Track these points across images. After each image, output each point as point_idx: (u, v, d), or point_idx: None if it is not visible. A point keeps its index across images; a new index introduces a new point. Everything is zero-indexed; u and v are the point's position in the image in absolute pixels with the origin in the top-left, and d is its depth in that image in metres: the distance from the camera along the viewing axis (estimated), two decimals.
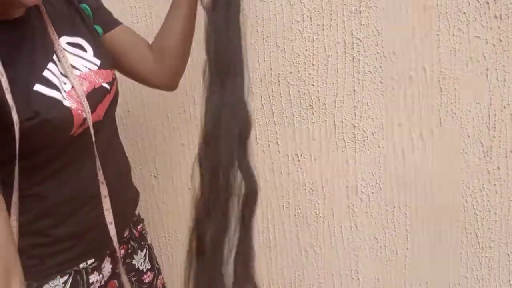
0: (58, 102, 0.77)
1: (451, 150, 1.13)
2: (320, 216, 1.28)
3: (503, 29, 1.01)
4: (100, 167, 0.84)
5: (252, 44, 1.16)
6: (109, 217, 0.87)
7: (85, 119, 0.80)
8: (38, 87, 0.76)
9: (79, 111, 0.79)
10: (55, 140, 0.78)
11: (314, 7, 1.09)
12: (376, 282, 1.30)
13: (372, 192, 1.22)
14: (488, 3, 1.00)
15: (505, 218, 1.16)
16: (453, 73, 1.07)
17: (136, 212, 1.03)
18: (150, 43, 1.00)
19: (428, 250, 1.23)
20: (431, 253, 1.23)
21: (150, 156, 1.35)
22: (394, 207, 1.21)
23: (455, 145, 1.13)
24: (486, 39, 1.03)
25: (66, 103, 0.78)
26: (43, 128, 0.75)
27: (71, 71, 0.80)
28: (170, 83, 1.04)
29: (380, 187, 1.20)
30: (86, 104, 0.80)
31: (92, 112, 0.82)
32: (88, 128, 0.81)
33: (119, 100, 1.28)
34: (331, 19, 1.09)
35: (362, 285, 1.31)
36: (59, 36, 0.83)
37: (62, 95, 0.78)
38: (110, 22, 0.96)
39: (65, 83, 0.79)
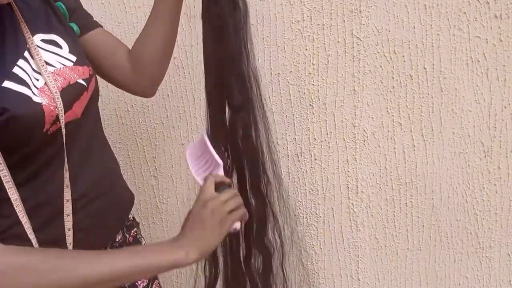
0: (28, 98, 0.75)
1: (451, 150, 1.13)
2: (320, 216, 1.27)
3: (503, 29, 1.01)
4: (67, 167, 0.80)
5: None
6: (68, 223, 0.82)
7: (58, 116, 0.78)
8: (7, 84, 0.73)
9: (51, 107, 0.76)
10: (28, 137, 0.76)
11: (314, 7, 1.09)
12: (376, 282, 1.30)
13: (372, 192, 1.21)
14: (488, 3, 1.00)
15: (505, 218, 1.16)
16: (453, 73, 1.07)
17: (131, 216, 1.00)
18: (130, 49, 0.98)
19: (428, 250, 1.23)
20: (431, 253, 1.23)
21: (150, 156, 1.35)
22: (395, 207, 1.21)
23: (456, 145, 1.13)
24: (487, 39, 1.03)
25: (37, 99, 0.75)
26: (13, 125, 0.73)
27: (44, 68, 0.78)
28: (147, 91, 1.01)
29: (380, 187, 1.20)
30: (59, 102, 0.77)
31: (67, 110, 0.79)
32: (66, 124, 0.79)
33: (119, 100, 1.29)
34: (331, 18, 1.09)
35: (362, 285, 1.31)
36: (33, 34, 0.81)
37: (32, 91, 0.76)
38: (88, 24, 0.93)
39: (37, 80, 0.78)
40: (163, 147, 1.32)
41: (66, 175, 0.80)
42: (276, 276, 0.90)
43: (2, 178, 0.74)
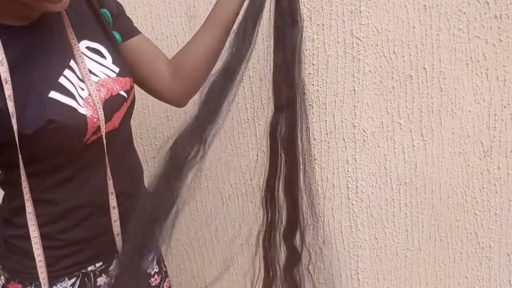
0: (73, 110, 0.76)
1: (451, 150, 1.13)
2: (320, 216, 1.27)
3: (503, 29, 1.01)
4: (110, 176, 0.83)
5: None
6: (116, 228, 0.86)
7: (99, 127, 0.79)
8: (53, 94, 0.74)
9: (94, 119, 0.78)
10: (68, 146, 0.77)
11: (314, 7, 1.09)
12: (376, 282, 1.30)
13: (372, 192, 1.22)
14: (488, 3, 1.00)
15: (505, 218, 1.16)
16: (453, 73, 1.07)
17: None
18: (169, 58, 0.97)
19: (428, 250, 1.23)
20: (431, 253, 1.23)
21: (150, 156, 1.35)
22: (395, 207, 1.21)
23: (455, 145, 1.13)
24: (486, 39, 1.03)
25: (82, 110, 0.77)
26: (56, 135, 0.74)
27: (88, 77, 0.79)
28: (181, 101, 1.00)
29: (380, 187, 1.20)
30: (101, 113, 0.78)
31: (107, 121, 0.81)
32: (105, 134, 0.80)
33: None
34: (331, 18, 1.09)
35: (362, 285, 1.31)
36: (79, 40, 0.81)
37: (77, 102, 0.76)
38: (130, 30, 0.93)
39: (82, 89, 0.78)
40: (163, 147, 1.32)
41: (110, 183, 0.83)
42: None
43: (24, 192, 0.75)
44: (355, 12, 1.08)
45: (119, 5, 0.93)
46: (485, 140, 1.10)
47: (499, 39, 1.02)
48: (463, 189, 1.15)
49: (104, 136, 0.80)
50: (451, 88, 1.08)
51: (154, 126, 1.31)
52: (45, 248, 0.80)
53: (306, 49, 1.13)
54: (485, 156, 1.12)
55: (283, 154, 0.82)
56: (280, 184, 0.83)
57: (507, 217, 1.16)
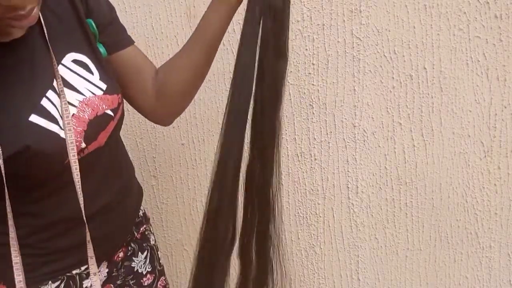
0: (55, 135, 0.72)
1: (451, 150, 1.13)
2: (320, 216, 1.27)
3: (503, 29, 1.01)
4: (83, 209, 0.77)
5: None
6: (90, 251, 0.81)
7: (82, 148, 0.76)
8: (33, 118, 0.70)
9: (77, 143, 0.74)
10: (48, 169, 0.74)
11: (314, 7, 1.09)
12: (376, 282, 1.30)
13: (372, 192, 1.21)
14: (488, 3, 1.00)
15: (505, 218, 1.16)
16: (453, 73, 1.07)
17: (141, 212, 1.00)
18: (157, 71, 0.89)
19: (429, 250, 1.23)
20: (431, 253, 1.23)
21: (150, 156, 1.35)
22: (395, 207, 1.21)
23: (456, 145, 1.12)
24: (487, 39, 1.03)
25: (63, 134, 0.73)
26: (34, 160, 0.71)
27: (67, 113, 0.73)
28: (165, 120, 0.95)
29: (380, 187, 1.20)
30: (71, 139, 0.73)
31: (92, 141, 0.77)
32: (89, 154, 0.77)
33: None
34: (331, 18, 1.09)
35: (362, 285, 1.31)
36: (66, 52, 0.76)
37: (60, 125, 0.72)
38: (119, 42, 0.86)
39: (66, 110, 0.74)
40: (163, 147, 1.32)
41: (81, 200, 0.78)
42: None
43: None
44: (355, 12, 1.07)
45: (112, 9, 0.87)
46: (485, 140, 1.10)
47: (499, 39, 1.02)
48: (464, 189, 1.15)
49: (72, 167, 0.74)
50: (451, 88, 1.08)
51: (154, 126, 1.30)
52: (28, 255, 0.78)
53: (306, 49, 1.13)
54: (485, 156, 1.12)
55: (256, 203, 0.78)
56: (254, 235, 0.78)
57: (507, 217, 1.15)
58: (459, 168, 1.14)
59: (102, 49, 0.83)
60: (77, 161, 0.74)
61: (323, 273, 1.33)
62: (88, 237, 0.79)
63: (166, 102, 0.88)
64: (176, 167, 1.34)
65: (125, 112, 1.30)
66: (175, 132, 1.30)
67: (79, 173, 0.76)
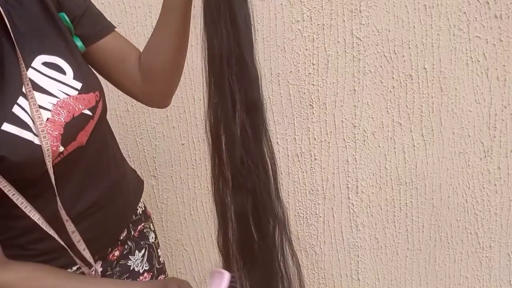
0: (29, 143, 0.70)
1: (451, 150, 1.13)
2: (320, 216, 1.27)
3: (503, 29, 1.01)
4: (61, 206, 0.76)
5: None
6: (81, 246, 0.81)
7: (61, 152, 0.74)
8: (6, 127, 0.68)
9: (54, 147, 0.72)
10: (26, 175, 0.73)
11: (314, 7, 1.09)
12: (376, 282, 1.30)
13: (372, 192, 1.21)
14: (488, 3, 1.00)
15: (505, 218, 1.16)
16: (454, 73, 1.07)
17: (140, 210, 0.99)
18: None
19: (429, 250, 1.23)
20: (431, 253, 1.23)
21: (150, 155, 1.35)
22: (395, 207, 1.21)
23: (456, 145, 1.12)
24: (487, 39, 1.03)
25: (38, 141, 0.70)
26: (11, 169, 0.69)
27: (39, 119, 0.71)
28: (160, 103, 0.93)
29: (380, 187, 1.20)
30: (47, 146, 0.71)
31: (71, 141, 0.75)
32: (69, 154, 0.75)
33: (119, 99, 1.28)
34: (331, 18, 1.09)
35: (362, 285, 1.31)
36: (35, 55, 0.73)
37: (33, 132, 0.70)
38: (97, 33, 0.82)
39: (38, 117, 0.71)
40: (163, 147, 1.32)
41: (63, 212, 0.77)
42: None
43: (9, 195, 0.72)
44: (355, 12, 1.07)
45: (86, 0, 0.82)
46: (485, 140, 1.10)
47: (499, 39, 1.02)
48: (463, 189, 1.15)
49: (50, 168, 0.73)
50: (451, 88, 1.08)
51: (154, 126, 1.30)
52: (20, 256, 0.77)
53: (306, 49, 1.13)
54: (485, 156, 1.12)
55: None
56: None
57: (507, 217, 1.15)
58: (459, 168, 1.14)
59: (79, 43, 0.80)
60: (51, 167, 0.72)
61: (323, 273, 1.33)
62: (78, 237, 0.80)
63: (155, 83, 0.85)
64: (176, 167, 1.34)
65: (124, 112, 1.30)
66: (175, 132, 1.30)
67: (54, 178, 0.74)
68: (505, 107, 1.07)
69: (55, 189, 0.74)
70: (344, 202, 1.24)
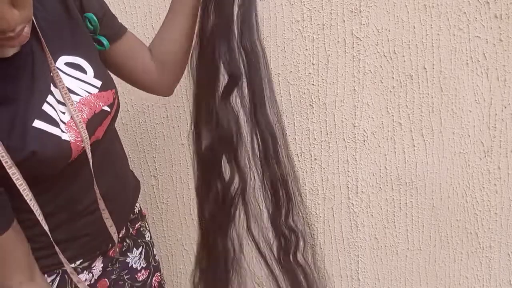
0: (57, 138, 0.73)
1: (451, 150, 1.13)
2: (320, 216, 1.27)
3: (503, 29, 1.01)
4: (98, 192, 0.82)
5: None
6: (108, 222, 0.86)
7: (84, 148, 0.77)
8: (37, 123, 0.72)
9: (78, 143, 0.76)
10: (52, 169, 0.76)
11: (314, 7, 1.09)
12: (376, 282, 1.30)
13: (372, 192, 1.21)
14: (488, 3, 1.00)
15: (505, 218, 1.16)
16: (454, 73, 1.07)
17: (136, 210, 1.01)
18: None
19: (429, 250, 1.23)
20: (431, 253, 1.23)
21: (150, 156, 1.35)
22: (395, 207, 1.21)
23: (456, 145, 1.13)
24: (487, 39, 1.03)
25: (65, 136, 0.74)
26: (40, 164, 0.72)
27: (70, 101, 0.76)
28: (168, 90, 1.00)
29: (380, 187, 1.20)
30: (85, 135, 0.76)
31: (91, 136, 0.79)
32: (85, 151, 0.79)
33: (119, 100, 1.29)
34: (331, 18, 1.09)
35: (362, 285, 1.31)
36: (58, 56, 0.77)
37: (60, 128, 0.74)
38: (118, 31, 0.89)
39: (63, 113, 0.75)
40: (163, 147, 1.32)
41: (97, 191, 0.82)
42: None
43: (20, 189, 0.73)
44: (355, 12, 1.07)
45: (102, 2, 0.88)
46: (485, 140, 1.10)
47: (499, 39, 1.02)
48: (463, 189, 1.15)
49: (90, 154, 0.77)
50: (451, 88, 1.08)
51: (154, 126, 1.30)
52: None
53: (306, 49, 1.13)
54: (485, 156, 1.12)
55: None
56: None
57: (507, 217, 1.16)
58: (459, 168, 1.14)
59: (105, 41, 0.86)
60: (90, 153, 0.77)
61: (323, 273, 1.33)
62: (99, 196, 0.83)
63: (167, 73, 0.94)
64: (176, 167, 1.34)
65: (124, 113, 1.30)
66: (175, 132, 1.30)
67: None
68: (505, 107, 1.07)
69: (93, 175, 0.80)
70: (344, 202, 1.24)
